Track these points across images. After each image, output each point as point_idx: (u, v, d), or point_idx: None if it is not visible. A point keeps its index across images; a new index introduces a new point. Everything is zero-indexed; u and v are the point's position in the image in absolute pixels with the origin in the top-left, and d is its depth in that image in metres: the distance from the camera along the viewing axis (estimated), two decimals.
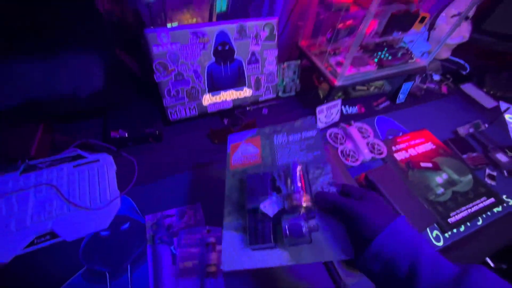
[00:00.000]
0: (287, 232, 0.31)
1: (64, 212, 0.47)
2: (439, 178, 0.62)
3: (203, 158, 0.60)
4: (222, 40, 0.55)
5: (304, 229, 0.31)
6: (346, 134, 0.68)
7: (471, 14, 0.89)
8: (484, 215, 0.57)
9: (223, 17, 0.57)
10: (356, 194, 0.33)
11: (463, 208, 0.57)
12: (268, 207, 0.33)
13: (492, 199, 0.59)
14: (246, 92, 0.67)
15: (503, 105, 0.86)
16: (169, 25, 0.51)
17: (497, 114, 0.80)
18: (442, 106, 0.84)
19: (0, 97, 0.53)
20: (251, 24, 0.56)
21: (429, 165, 0.64)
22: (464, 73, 0.98)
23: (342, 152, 0.64)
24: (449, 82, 0.93)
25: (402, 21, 0.70)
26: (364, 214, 0.29)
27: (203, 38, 0.52)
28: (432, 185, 0.60)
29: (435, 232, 0.54)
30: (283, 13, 0.70)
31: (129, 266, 0.44)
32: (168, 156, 0.60)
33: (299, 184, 0.34)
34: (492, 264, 0.71)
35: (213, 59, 0.57)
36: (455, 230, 0.54)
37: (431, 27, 0.95)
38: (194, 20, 0.53)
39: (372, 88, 0.85)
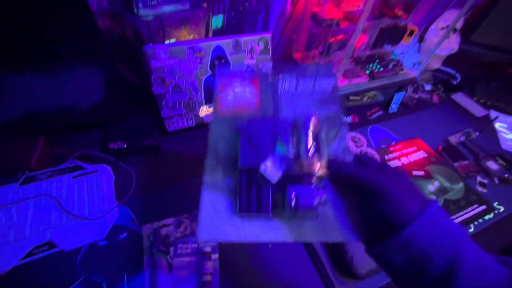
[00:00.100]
0: (294, 203, 0.25)
1: (62, 222, 0.48)
2: (431, 186, 0.63)
3: (200, 168, 0.61)
4: (218, 54, 0.57)
5: (315, 202, 0.25)
6: None
7: (459, 26, 0.92)
8: (476, 222, 0.58)
9: (219, 33, 0.59)
10: (375, 165, 0.26)
11: (455, 215, 0.58)
12: (271, 169, 0.26)
13: (483, 207, 0.60)
14: None
15: (493, 114, 0.89)
16: (167, 42, 0.53)
17: (487, 122, 0.82)
18: (434, 115, 0.86)
19: (2, 110, 0.55)
20: (246, 39, 0.59)
21: (421, 173, 0.66)
22: (455, 83, 1.00)
23: None
24: (440, 91, 0.96)
25: (391, 35, 0.73)
26: (394, 193, 0.23)
27: (200, 53, 0.54)
28: (424, 193, 0.61)
29: None
30: (277, 28, 0.73)
31: (126, 276, 0.44)
32: (165, 166, 0.62)
33: (311, 144, 0.27)
34: None
35: (210, 72, 0.59)
36: None
37: (422, 39, 0.98)
38: (191, 36, 0.56)
39: (365, 98, 0.87)
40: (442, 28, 0.93)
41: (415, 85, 0.96)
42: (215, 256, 0.48)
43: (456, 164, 0.70)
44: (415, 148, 0.72)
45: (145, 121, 0.68)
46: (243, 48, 0.59)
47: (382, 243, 0.23)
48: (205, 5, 0.50)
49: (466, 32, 0.96)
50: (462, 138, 0.77)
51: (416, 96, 0.93)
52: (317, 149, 0.28)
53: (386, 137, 0.77)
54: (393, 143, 0.74)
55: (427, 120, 0.84)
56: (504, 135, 0.82)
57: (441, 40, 0.77)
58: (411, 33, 0.73)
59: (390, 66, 0.78)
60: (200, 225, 0.27)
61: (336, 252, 0.49)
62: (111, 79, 0.60)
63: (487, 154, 0.73)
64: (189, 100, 0.62)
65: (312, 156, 0.27)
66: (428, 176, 0.65)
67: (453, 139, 0.76)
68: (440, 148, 0.74)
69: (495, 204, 0.61)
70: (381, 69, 0.77)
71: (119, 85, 0.65)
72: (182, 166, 0.62)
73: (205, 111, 0.66)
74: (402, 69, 0.79)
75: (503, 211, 0.60)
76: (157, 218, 0.52)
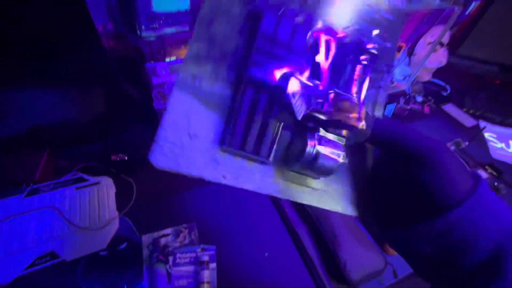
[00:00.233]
0: (310, 157, 0.18)
1: (65, 233, 0.49)
2: None
3: (198, 179, 0.63)
4: None
5: (337, 161, 0.18)
6: None
7: (446, 41, 0.97)
8: None
9: None
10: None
11: None
12: (299, 98, 0.17)
13: None
14: None
15: (483, 124, 0.92)
16: (167, 59, 0.56)
17: (476, 132, 0.85)
18: (425, 125, 0.89)
19: (8, 124, 0.58)
20: None
21: None
22: (445, 94, 1.04)
23: None
24: (431, 103, 0.99)
25: None
26: (447, 165, 0.18)
27: None
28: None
29: None
30: None
31: (125, 285, 0.45)
32: (165, 177, 0.63)
33: (356, 83, 0.19)
34: None
35: None
36: None
37: (411, 53, 1.03)
38: None
39: None
40: (429, 43, 0.98)
41: (407, 97, 1.00)
42: (213, 265, 0.49)
43: None
44: None
45: (145, 134, 0.70)
46: None
47: (412, 227, 0.19)
48: None
49: (453, 46, 1.01)
50: (452, 148, 0.79)
51: (408, 107, 0.96)
52: (360, 90, 0.19)
53: None
54: None
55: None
56: (493, 144, 0.85)
57: (428, 54, 0.81)
58: (399, 49, 0.77)
59: None
60: (159, 144, 0.18)
61: (330, 258, 0.50)
62: (113, 94, 0.63)
63: (477, 163, 0.76)
64: None
65: (360, 102, 0.18)
66: None
67: None
68: None
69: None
70: None
71: (120, 100, 0.68)
72: (180, 177, 0.63)
73: None
74: (392, 82, 0.82)
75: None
76: (156, 228, 0.53)
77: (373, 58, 0.19)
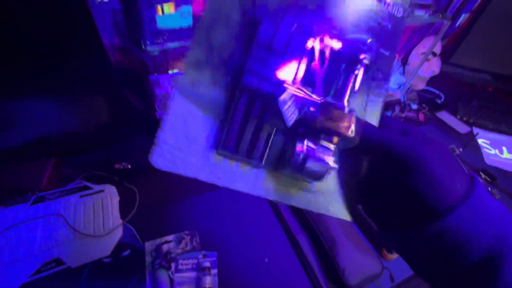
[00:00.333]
0: (300, 162, 0.19)
1: (70, 240, 0.50)
2: None
3: (199, 187, 0.65)
4: None
5: (327, 167, 0.19)
6: None
7: (438, 51, 1.00)
8: None
9: None
10: (397, 128, 0.22)
11: None
12: (291, 106, 0.19)
13: None
14: None
15: (476, 131, 0.94)
16: (170, 72, 0.59)
17: (470, 139, 0.88)
18: None
19: (16, 134, 0.59)
20: None
21: None
22: (439, 102, 1.07)
23: None
24: (425, 110, 1.02)
25: None
26: (436, 170, 0.18)
27: None
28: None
29: None
30: None
31: None
32: (167, 185, 0.65)
33: (349, 94, 0.19)
34: None
35: None
36: None
37: (405, 62, 1.06)
38: None
39: None
40: (422, 53, 1.01)
41: (402, 105, 1.03)
42: (214, 271, 0.50)
43: None
44: None
45: (148, 143, 0.72)
46: None
47: (406, 230, 0.19)
48: None
49: (445, 56, 1.04)
50: None
51: (403, 115, 0.99)
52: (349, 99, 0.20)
53: None
54: None
55: None
56: (487, 150, 0.87)
57: (421, 63, 0.85)
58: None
59: None
60: (159, 146, 0.19)
61: (329, 263, 0.52)
62: (117, 105, 0.66)
63: (471, 169, 0.78)
64: None
65: (348, 110, 0.19)
66: None
67: None
68: None
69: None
70: None
71: (124, 110, 0.70)
72: (181, 185, 0.65)
73: None
74: (387, 91, 0.85)
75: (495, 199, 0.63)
76: (159, 235, 0.54)
77: (367, 67, 0.20)
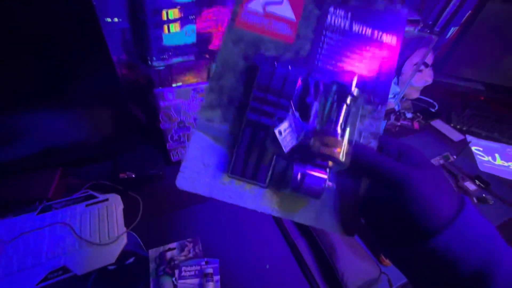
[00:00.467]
0: (298, 182, 0.22)
1: (76, 248, 0.52)
2: None
3: (201, 196, 0.67)
4: None
5: (323, 186, 0.22)
6: None
7: (430, 62, 1.04)
8: None
9: None
10: (394, 149, 0.23)
11: None
12: (287, 136, 0.22)
13: None
14: None
15: (469, 138, 0.97)
16: (174, 85, 0.62)
17: (463, 146, 0.90)
18: (415, 140, 0.94)
19: (24, 145, 0.62)
20: None
21: None
22: (433, 110, 1.10)
23: None
24: (420, 119, 1.05)
25: None
26: (423, 192, 0.19)
27: (202, 94, 0.63)
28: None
29: None
30: None
31: None
32: (170, 193, 0.67)
33: (342, 121, 0.22)
34: None
35: None
36: None
37: (399, 73, 1.10)
38: (195, 80, 0.65)
39: None
40: (415, 64, 1.05)
41: (397, 114, 1.06)
42: (217, 277, 0.52)
43: None
44: None
45: (151, 153, 0.74)
46: None
47: (399, 248, 0.20)
48: (207, 55, 0.59)
49: (438, 66, 1.09)
50: (441, 161, 0.84)
51: (399, 124, 1.02)
52: (344, 126, 0.22)
53: None
54: None
55: None
56: (480, 157, 0.89)
57: (413, 74, 0.88)
58: None
59: None
60: (182, 172, 0.24)
61: (328, 269, 0.53)
62: (122, 117, 0.68)
63: (465, 175, 0.80)
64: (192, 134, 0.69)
65: (339, 136, 0.21)
66: None
67: (433, 163, 0.83)
68: None
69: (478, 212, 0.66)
70: None
71: (129, 122, 0.73)
72: (184, 193, 0.67)
73: None
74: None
75: (485, 219, 0.65)
76: (162, 243, 0.56)
77: (361, 93, 0.23)
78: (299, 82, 0.23)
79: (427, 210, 0.19)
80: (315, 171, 0.22)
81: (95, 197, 0.61)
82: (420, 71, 1.03)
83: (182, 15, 0.48)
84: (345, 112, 0.22)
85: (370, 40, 0.25)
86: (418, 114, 1.07)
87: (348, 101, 0.22)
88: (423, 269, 0.20)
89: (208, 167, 0.24)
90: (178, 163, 0.73)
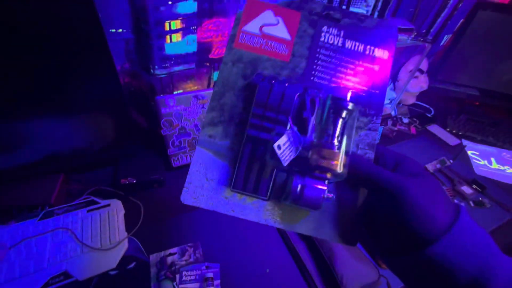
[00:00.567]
0: (297, 194, 0.23)
1: (77, 253, 0.52)
2: None
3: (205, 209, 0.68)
4: None
5: (322, 197, 0.23)
6: None
7: (425, 69, 1.07)
8: None
9: None
10: (391, 159, 0.24)
11: None
12: (285, 150, 0.22)
13: None
14: None
15: (465, 143, 0.99)
16: (175, 92, 0.64)
17: (459, 150, 0.92)
18: (412, 145, 0.96)
19: (27, 151, 0.63)
20: None
21: None
22: (429, 115, 1.12)
23: None
24: (416, 124, 1.07)
25: None
26: (418, 202, 0.20)
27: (203, 100, 0.65)
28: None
29: None
30: None
31: None
32: (171, 199, 0.68)
33: (338, 133, 0.23)
34: None
35: None
36: None
37: (395, 79, 1.13)
38: (196, 87, 0.67)
39: None
40: (410, 71, 1.08)
41: (394, 119, 1.08)
42: (217, 282, 0.52)
43: None
44: None
45: (152, 158, 0.75)
46: None
47: (396, 257, 0.21)
48: (207, 64, 0.61)
49: (433, 73, 1.11)
50: (438, 166, 0.85)
51: (396, 129, 1.03)
52: (341, 138, 0.23)
53: None
54: None
55: (406, 150, 0.93)
56: (476, 161, 0.91)
57: (409, 80, 0.90)
58: None
59: None
60: (186, 188, 0.24)
61: (327, 272, 0.53)
62: (124, 123, 0.70)
63: (462, 179, 0.81)
64: (193, 139, 0.71)
65: (336, 148, 0.22)
66: None
67: (430, 167, 0.85)
68: None
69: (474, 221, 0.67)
70: None
71: (130, 128, 0.74)
72: None
73: None
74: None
75: (481, 228, 0.66)
76: (163, 248, 0.56)
77: (356, 106, 0.24)
78: (296, 98, 0.24)
79: (422, 219, 0.20)
80: (314, 183, 0.23)
81: (96, 202, 0.62)
82: (416, 77, 1.05)
83: (184, 25, 0.50)
84: (341, 125, 0.23)
85: (362, 56, 0.26)
86: (414, 119, 1.09)
87: (344, 115, 0.23)
88: (420, 277, 0.20)
89: (210, 182, 0.25)
90: (179, 168, 0.74)
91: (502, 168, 0.89)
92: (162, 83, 0.58)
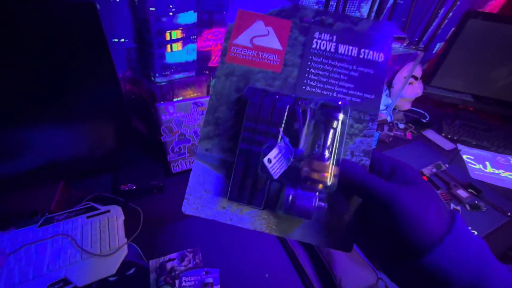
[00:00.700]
0: (289, 204, 0.23)
1: (77, 259, 0.52)
2: None
3: (205, 219, 0.68)
4: None
5: (313, 207, 0.23)
6: None
7: (419, 75, 1.09)
8: None
9: None
10: (386, 166, 0.23)
11: None
12: (276, 163, 0.23)
13: None
14: None
15: (460, 147, 1.00)
16: (175, 99, 0.65)
17: (454, 155, 0.93)
18: (408, 150, 0.97)
19: (28, 158, 0.63)
20: None
21: None
22: (424, 121, 1.14)
23: None
24: (412, 129, 1.08)
25: None
26: (410, 211, 0.19)
27: (202, 107, 0.66)
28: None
29: None
30: None
31: None
32: (170, 204, 0.68)
33: (329, 144, 0.23)
34: None
35: None
36: None
37: (390, 85, 1.15)
38: (195, 95, 0.68)
39: None
40: (404, 77, 1.10)
41: (390, 124, 1.10)
42: (217, 287, 0.52)
43: None
44: None
45: (152, 165, 0.76)
46: None
47: (392, 265, 0.21)
48: (207, 72, 0.63)
49: (427, 79, 1.14)
50: (434, 170, 0.86)
51: (392, 134, 1.05)
52: (332, 149, 0.23)
53: None
54: None
55: (402, 155, 0.94)
56: (471, 165, 0.92)
57: (403, 86, 0.92)
58: None
59: None
60: (186, 199, 0.26)
61: (326, 276, 0.54)
62: (124, 130, 0.71)
63: (458, 183, 0.82)
64: (192, 146, 0.72)
65: (327, 160, 0.22)
66: None
67: (426, 171, 0.86)
68: None
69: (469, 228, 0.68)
70: None
71: (130, 135, 0.75)
72: None
73: None
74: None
75: (476, 235, 0.67)
76: (163, 253, 0.56)
77: (349, 114, 0.24)
78: (287, 109, 0.24)
79: (415, 229, 0.19)
80: (304, 194, 0.23)
81: (96, 208, 0.62)
82: (411, 83, 1.08)
83: (184, 35, 0.52)
84: (332, 136, 0.23)
85: (356, 60, 0.25)
86: (410, 124, 1.10)
87: (334, 125, 0.23)
88: (416, 286, 0.20)
89: (208, 193, 0.26)
90: (179, 174, 0.75)
91: (497, 172, 0.90)
92: (162, 91, 0.60)
